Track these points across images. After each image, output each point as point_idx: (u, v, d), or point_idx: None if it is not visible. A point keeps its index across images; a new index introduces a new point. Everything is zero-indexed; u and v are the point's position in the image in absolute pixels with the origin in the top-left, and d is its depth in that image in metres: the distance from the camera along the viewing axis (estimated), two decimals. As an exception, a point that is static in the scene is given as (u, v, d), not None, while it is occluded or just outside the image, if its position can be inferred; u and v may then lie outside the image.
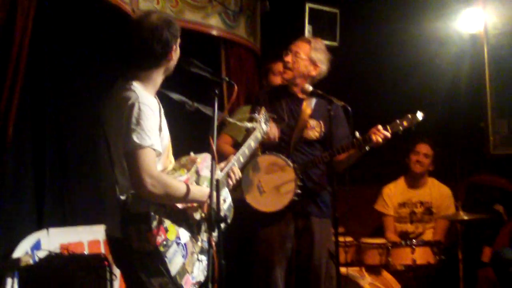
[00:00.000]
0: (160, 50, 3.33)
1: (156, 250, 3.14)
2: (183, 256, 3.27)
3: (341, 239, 4.81)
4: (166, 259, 3.17)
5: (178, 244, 3.25)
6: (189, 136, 5.44)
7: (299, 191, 4.60)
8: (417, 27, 7.09)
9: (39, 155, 5.29)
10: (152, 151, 3.19)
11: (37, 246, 4.95)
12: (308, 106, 4.78)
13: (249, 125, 4.18)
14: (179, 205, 3.34)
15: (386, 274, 5.89)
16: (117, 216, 3.21)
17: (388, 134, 4.50)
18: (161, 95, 3.51)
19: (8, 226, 4.98)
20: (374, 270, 5.87)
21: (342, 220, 4.46)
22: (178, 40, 3.43)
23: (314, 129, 4.74)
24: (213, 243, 3.09)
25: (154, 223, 3.15)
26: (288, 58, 4.75)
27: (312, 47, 4.72)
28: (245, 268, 4.90)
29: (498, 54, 6.99)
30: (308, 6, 7.18)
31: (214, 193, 3.15)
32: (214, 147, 3.15)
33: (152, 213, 3.16)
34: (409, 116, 4.56)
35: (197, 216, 3.43)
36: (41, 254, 4.75)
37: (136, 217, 3.16)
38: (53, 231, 5.11)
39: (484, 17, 7.03)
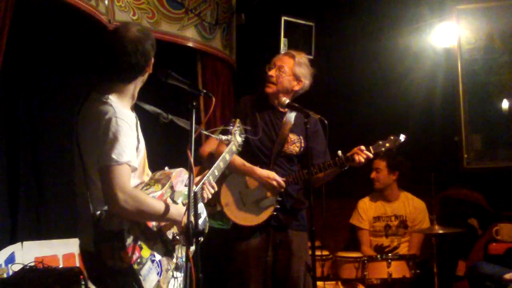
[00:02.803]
0: (143, 62, 3.30)
1: (130, 268, 3.11)
2: (157, 274, 3.23)
3: (317, 252, 4.81)
4: (140, 277, 3.13)
5: (153, 261, 3.22)
6: (163, 149, 5.41)
7: (278, 206, 4.61)
8: (392, 41, 7.17)
9: (12, 167, 5.23)
10: (128, 167, 3.15)
11: (11, 259, 4.89)
12: (289, 120, 4.75)
13: (223, 137, 4.15)
14: (153, 223, 3.30)
15: (362, 288, 5.90)
16: (91, 231, 3.17)
17: (371, 155, 4.55)
18: (135, 107, 3.47)
19: (-19, 239, 4.92)
20: (350, 284, 5.88)
21: (318, 234, 4.46)
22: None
23: (295, 144, 4.72)
24: (191, 257, 3.04)
25: (128, 241, 3.11)
26: (272, 73, 4.70)
27: (296, 62, 4.69)
28: (222, 281, 4.87)
29: (472, 69, 7.08)
30: (283, 19, 7.20)
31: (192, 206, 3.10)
32: (192, 160, 3.09)
33: (126, 231, 3.12)
34: (392, 138, 4.63)
35: (171, 233, 3.39)
36: (16, 267, 4.69)
37: (109, 235, 3.12)
38: (28, 244, 5.05)
39: (458, 31, 7.12)
